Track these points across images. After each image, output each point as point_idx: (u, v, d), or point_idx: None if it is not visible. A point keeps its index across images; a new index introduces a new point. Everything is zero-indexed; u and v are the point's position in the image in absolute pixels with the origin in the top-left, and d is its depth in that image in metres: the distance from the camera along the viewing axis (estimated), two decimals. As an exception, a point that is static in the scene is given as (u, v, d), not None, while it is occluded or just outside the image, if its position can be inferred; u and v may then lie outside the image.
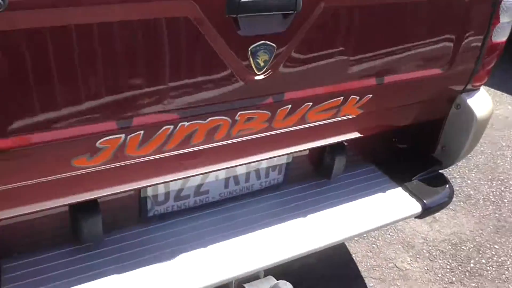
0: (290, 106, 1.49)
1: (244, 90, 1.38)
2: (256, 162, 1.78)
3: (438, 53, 1.72)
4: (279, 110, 1.48)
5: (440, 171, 2.15)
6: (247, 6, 1.22)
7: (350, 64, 1.53)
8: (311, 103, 1.53)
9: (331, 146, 1.88)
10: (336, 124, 1.66)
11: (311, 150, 1.94)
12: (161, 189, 1.65)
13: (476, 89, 1.97)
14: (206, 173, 1.62)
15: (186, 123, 1.34)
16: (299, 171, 1.95)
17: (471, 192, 3.21)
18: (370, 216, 1.88)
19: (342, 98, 1.58)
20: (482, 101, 1.97)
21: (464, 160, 3.52)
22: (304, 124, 1.58)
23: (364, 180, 2.05)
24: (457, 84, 1.90)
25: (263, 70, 1.36)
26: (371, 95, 1.65)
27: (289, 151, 1.72)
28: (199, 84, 1.30)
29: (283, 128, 1.55)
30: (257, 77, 1.36)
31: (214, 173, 1.72)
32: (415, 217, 2.00)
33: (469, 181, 3.31)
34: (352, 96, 1.60)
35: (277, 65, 1.38)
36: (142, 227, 1.69)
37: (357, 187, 2.01)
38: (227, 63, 1.30)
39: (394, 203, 1.95)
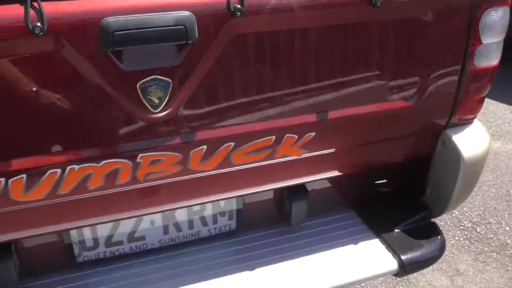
0: (205, 147, 1.33)
1: (140, 131, 1.24)
2: (199, 208, 1.63)
3: (399, 82, 1.47)
4: (191, 151, 1.32)
5: (432, 220, 1.84)
6: (123, 38, 1.10)
7: (276, 98, 1.34)
8: (232, 144, 1.36)
9: (290, 190, 1.67)
10: (277, 167, 1.47)
11: (267, 194, 1.75)
12: (87, 235, 1.54)
13: (465, 123, 1.67)
14: (124, 219, 1.49)
15: (76, 167, 1.23)
16: (255, 217, 1.75)
17: (508, 241, 2.75)
18: (333, 272, 1.62)
19: (273, 137, 1.39)
20: (472, 138, 1.66)
21: (504, 202, 3.06)
22: (233, 167, 1.40)
23: (337, 229, 1.80)
24: (436, 117, 1.62)
25: (161, 108, 1.22)
26: (313, 133, 1.44)
27: (225, 196, 1.54)
28: (84, 125, 1.19)
29: (206, 172, 1.38)
30: (154, 116, 1.23)
31: (148, 219, 1.59)
32: (393, 275, 1.70)
33: (507, 228, 2.85)
34: (287, 135, 1.41)
35: (178, 102, 1.23)
36: (72, 273, 1.59)
37: (325, 236, 1.76)
38: (115, 101, 1.18)
39: (365, 258, 1.67)
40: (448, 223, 2.87)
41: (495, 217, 2.94)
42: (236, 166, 1.41)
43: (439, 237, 1.77)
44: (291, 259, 1.68)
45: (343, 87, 1.40)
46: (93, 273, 1.60)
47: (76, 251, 1.56)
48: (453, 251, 2.66)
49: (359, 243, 1.72)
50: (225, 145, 1.35)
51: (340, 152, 1.55)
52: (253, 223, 1.76)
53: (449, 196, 1.70)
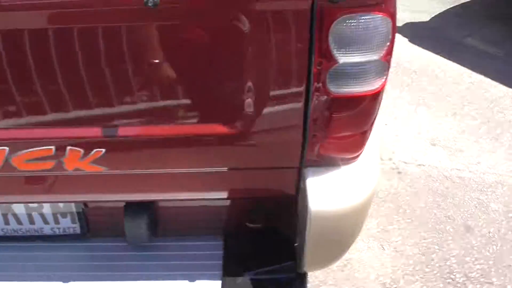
0: (-23, 148, 1.25)
1: None
2: (36, 204, 1.56)
3: (206, 103, 1.20)
4: (-35, 149, 1.25)
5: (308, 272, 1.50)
6: None
7: (41, 104, 1.19)
8: (6, 148, 1.24)
9: (127, 204, 1.51)
10: (73, 179, 1.32)
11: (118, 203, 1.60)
12: None
13: (335, 164, 1.29)
14: None
15: None
16: (102, 225, 1.62)
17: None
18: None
19: (52, 147, 1.24)
20: (338, 186, 1.28)
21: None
22: (20, 172, 1.30)
23: (188, 258, 1.58)
24: (284, 152, 1.29)
25: None
26: (103, 150, 1.25)
27: (25, 200, 1.46)
28: None
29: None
30: None
31: (-15, 206, 1.58)
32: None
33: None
34: (69, 148, 1.24)
35: None
36: None
37: (165, 264, 1.56)
38: None
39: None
40: (435, 271, 2.35)
41: (501, 278, 2.32)
42: (23, 172, 1.30)
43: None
44: (121, 280, 1.53)
45: (128, 102, 1.19)
46: None
47: None
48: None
49: (196, 281, 1.49)
50: None
51: (160, 174, 1.34)
52: (103, 231, 1.63)
53: (302, 252, 1.36)
